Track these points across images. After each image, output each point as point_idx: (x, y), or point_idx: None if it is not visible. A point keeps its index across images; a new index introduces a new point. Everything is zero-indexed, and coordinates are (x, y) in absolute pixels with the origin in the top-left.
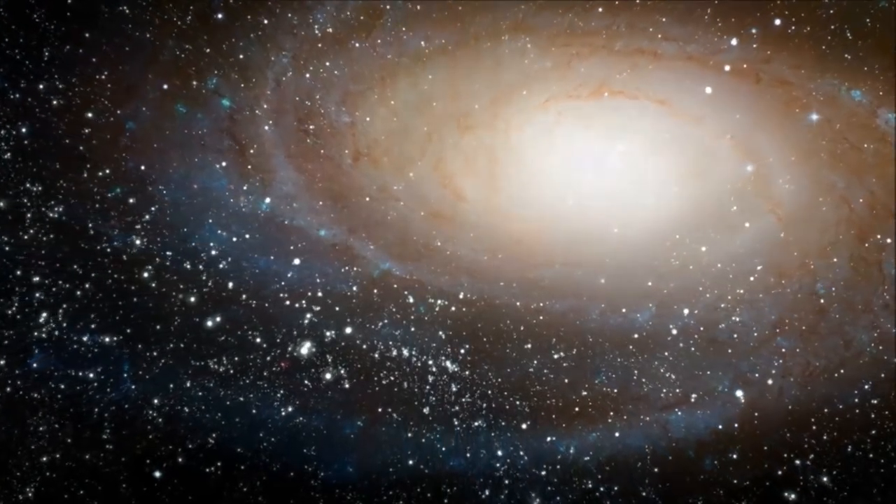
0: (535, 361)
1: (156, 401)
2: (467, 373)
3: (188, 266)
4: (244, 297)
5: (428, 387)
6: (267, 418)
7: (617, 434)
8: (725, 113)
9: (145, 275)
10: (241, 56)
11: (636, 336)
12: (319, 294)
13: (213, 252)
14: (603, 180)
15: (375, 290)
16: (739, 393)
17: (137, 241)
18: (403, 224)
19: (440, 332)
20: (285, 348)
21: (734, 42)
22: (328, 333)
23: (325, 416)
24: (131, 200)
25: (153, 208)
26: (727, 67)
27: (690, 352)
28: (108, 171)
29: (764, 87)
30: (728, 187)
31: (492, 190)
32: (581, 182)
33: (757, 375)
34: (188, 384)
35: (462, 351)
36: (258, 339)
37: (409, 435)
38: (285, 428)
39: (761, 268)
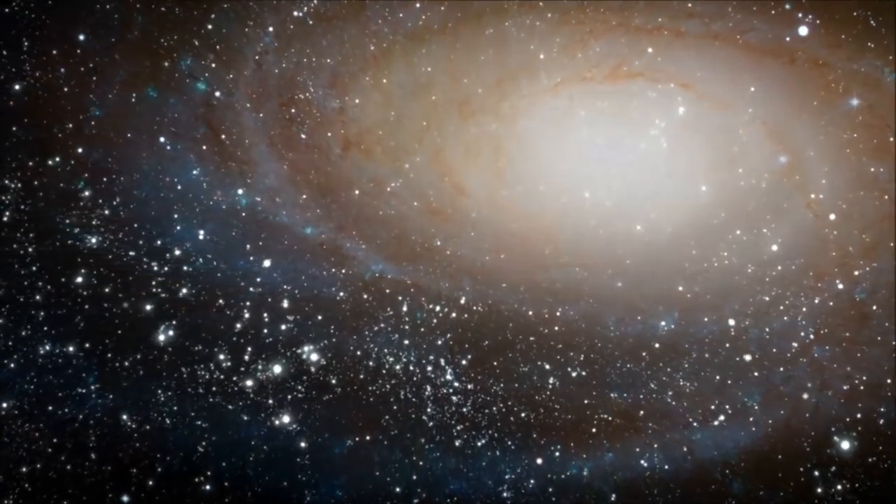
0: (545, 374)
1: (124, 417)
2: (469, 386)
3: (156, 268)
4: (220, 302)
5: (425, 402)
6: (247, 437)
7: (635, 455)
8: (756, 98)
9: (109, 277)
10: (219, 34)
11: (657, 346)
12: (304, 299)
13: (185, 252)
14: (619, 172)
15: (367, 295)
16: (772, 409)
17: (101, 240)
18: (398, 221)
19: (439, 342)
20: (266, 359)
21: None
22: (314, 343)
23: (312, 434)
24: (95, 195)
25: (119, 204)
26: (757, 47)
27: (717, 363)
28: (69, 163)
29: (799, 69)
30: (760, 180)
31: (497, 183)
32: (596, 174)
33: (791, 390)
34: (159, 399)
35: (463, 362)
36: (235, 349)
37: (405, 455)
38: (267, 447)
39: (796, 270)
